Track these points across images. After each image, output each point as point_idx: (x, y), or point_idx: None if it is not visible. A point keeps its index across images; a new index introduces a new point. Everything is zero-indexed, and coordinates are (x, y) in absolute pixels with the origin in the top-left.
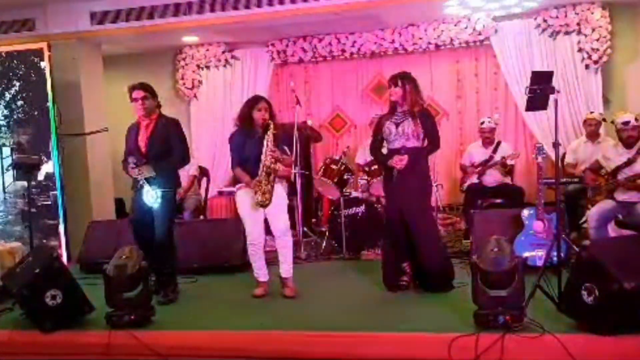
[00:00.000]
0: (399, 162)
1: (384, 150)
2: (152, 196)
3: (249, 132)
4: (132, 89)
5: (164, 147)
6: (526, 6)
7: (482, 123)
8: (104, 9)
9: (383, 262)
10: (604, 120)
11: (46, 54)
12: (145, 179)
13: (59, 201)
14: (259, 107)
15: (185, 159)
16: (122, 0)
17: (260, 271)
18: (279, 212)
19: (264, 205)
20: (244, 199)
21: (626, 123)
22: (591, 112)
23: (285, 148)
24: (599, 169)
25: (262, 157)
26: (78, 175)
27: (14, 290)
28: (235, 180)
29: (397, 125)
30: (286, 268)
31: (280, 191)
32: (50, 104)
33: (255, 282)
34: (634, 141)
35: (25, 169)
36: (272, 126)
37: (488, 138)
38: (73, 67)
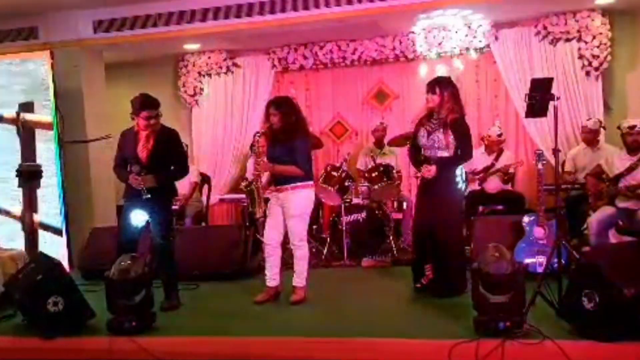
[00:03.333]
0: (427, 172)
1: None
2: (140, 219)
3: (268, 136)
4: (143, 106)
5: (165, 159)
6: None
7: (500, 135)
8: (106, 17)
9: (412, 261)
10: (603, 128)
11: (49, 61)
12: (147, 189)
13: (61, 208)
14: (270, 113)
15: (186, 171)
16: (124, 8)
17: (269, 273)
18: (295, 222)
19: (258, 218)
20: (270, 200)
21: (632, 127)
22: (588, 120)
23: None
24: (601, 174)
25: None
26: (80, 182)
27: (15, 297)
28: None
29: (429, 133)
30: (296, 278)
31: (297, 200)
32: (52, 111)
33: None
34: (639, 146)
35: (27, 176)
36: (257, 137)
37: (491, 146)
38: (75, 75)
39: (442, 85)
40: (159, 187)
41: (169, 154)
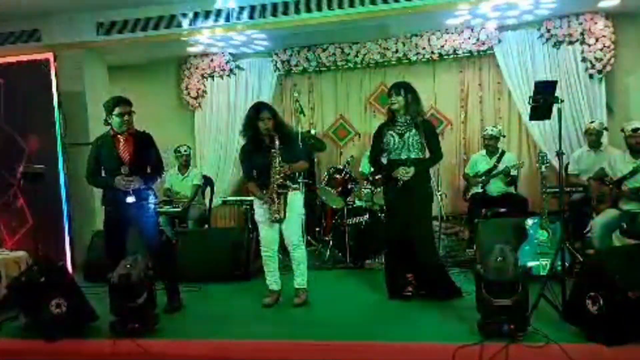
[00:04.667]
0: (406, 174)
1: (383, 160)
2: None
3: (255, 142)
4: (116, 103)
5: (145, 160)
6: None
7: (485, 130)
8: (110, 20)
9: (386, 273)
10: (606, 129)
11: (52, 64)
12: (133, 190)
13: (64, 210)
14: (262, 118)
15: (162, 172)
16: (128, 11)
17: (271, 279)
18: (291, 225)
19: (278, 221)
20: (259, 205)
21: (635, 130)
22: (591, 122)
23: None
24: (604, 177)
25: (272, 174)
26: (82, 184)
27: (18, 299)
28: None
29: (400, 135)
30: (298, 280)
31: (295, 203)
32: (56, 113)
33: (266, 290)
34: None
35: (31, 178)
36: (277, 142)
37: (490, 145)
38: (78, 77)
39: (407, 88)
40: (146, 190)
41: (148, 156)
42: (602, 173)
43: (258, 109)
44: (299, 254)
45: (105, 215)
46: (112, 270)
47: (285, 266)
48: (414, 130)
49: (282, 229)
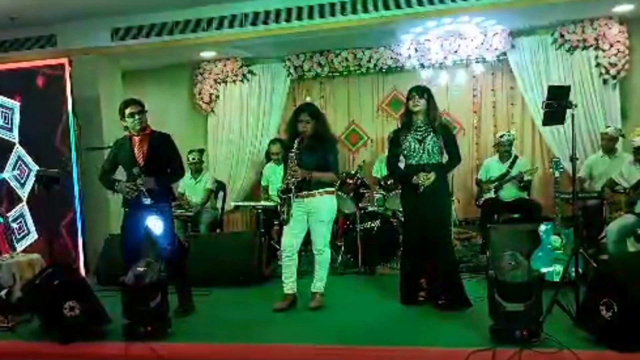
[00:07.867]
0: (427, 179)
1: (401, 165)
2: (158, 226)
3: (292, 143)
4: (126, 104)
5: (161, 162)
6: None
7: (502, 136)
8: (124, 26)
9: (401, 277)
10: (622, 135)
11: (67, 69)
12: (146, 190)
13: (78, 214)
14: (300, 119)
15: (183, 173)
16: (142, 17)
17: (286, 281)
18: (322, 227)
19: (282, 223)
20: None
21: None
22: (607, 127)
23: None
24: (614, 186)
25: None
26: (96, 189)
27: (32, 302)
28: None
29: (419, 141)
30: (317, 283)
31: (326, 205)
32: (70, 118)
33: (282, 294)
34: None
35: (45, 181)
36: (295, 144)
37: (507, 152)
38: (93, 82)
39: (428, 92)
40: (158, 193)
41: (164, 157)
42: (612, 183)
43: (297, 111)
44: (323, 258)
45: (123, 216)
46: (125, 272)
47: (300, 270)
48: (432, 136)
49: (310, 231)
